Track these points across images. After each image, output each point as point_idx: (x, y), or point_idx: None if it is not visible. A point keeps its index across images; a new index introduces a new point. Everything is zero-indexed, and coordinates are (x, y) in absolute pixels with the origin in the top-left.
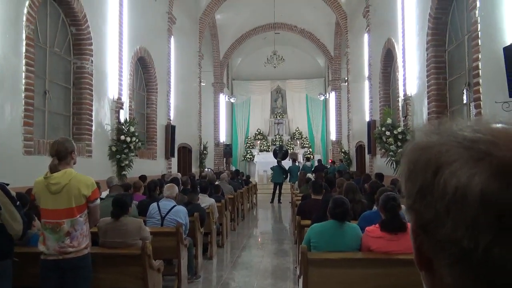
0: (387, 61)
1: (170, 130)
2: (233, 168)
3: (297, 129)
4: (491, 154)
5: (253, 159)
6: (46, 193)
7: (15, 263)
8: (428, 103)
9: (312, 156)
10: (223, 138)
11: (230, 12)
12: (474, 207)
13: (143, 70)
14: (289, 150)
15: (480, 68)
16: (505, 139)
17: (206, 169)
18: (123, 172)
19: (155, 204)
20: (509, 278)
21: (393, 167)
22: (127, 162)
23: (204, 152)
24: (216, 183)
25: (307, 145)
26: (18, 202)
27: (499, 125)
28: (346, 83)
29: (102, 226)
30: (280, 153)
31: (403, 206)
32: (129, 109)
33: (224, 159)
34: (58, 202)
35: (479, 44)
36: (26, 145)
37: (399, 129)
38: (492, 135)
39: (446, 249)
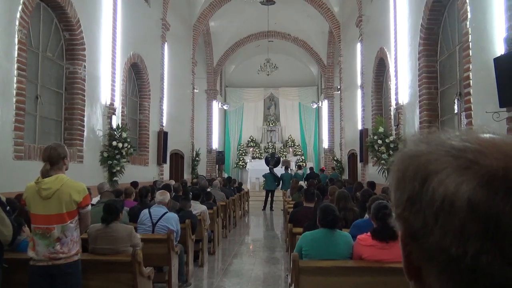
0: (380, 70)
1: (163, 136)
2: (226, 175)
3: (289, 137)
4: (478, 163)
5: (245, 166)
6: (37, 198)
7: (3, 269)
8: (420, 112)
9: (304, 164)
10: (215, 145)
11: (224, 19)
12: (462, 215)
13: (136, 76)
14: (281, 158)
15: (471, 78)
16: (492, 149)
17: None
18: (115, 178)
19: (146, 210)
20: (496, 285)
21: (385, 175)
22: (118, 168)
23: (197, 158)
24: (208, 190)
25: (299, 153)
26: (8, 208)
27: (486, 135)
28: (339, 92)
29: (92, 233)
30: (272, 160)
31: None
32: (122, 115)
33: (217, 166)
34: (48, 208)
35: (470, 54)
36: (17, 150)
37: (391, 138)
38: (480, 144)
39: (435, 257)
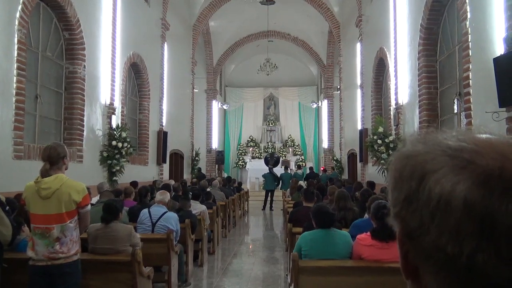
0: (379, 70)
1: (162, 136)
2: (225, 175)
3: (289, 137)
4: (475, 163)
5: (245, 166)
6: (36, 198)
7: (3, 269)
8: (420, 112)
9: (304, 164)
10: (215, 144)
11: (224, 19)
12: (458, 215)
13: (136, 75)
14: (280, 157)
15: (470, 78)
16: (488, 149)
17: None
18: (114, 178)
19: (146, 210)
20: (492, 285)
21: (385, 175)
22: (118, 168)
23: (196, 158)
24: (208, 189)
25: (299, 153)
26: (7, 207)
27: (483, 135)
28: (339, 92)
29: (92, 232)
30: (272, 160)
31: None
32: (121, 115)
33: (216, 165)
34: (48, 207)
35: (470, 54)
36: (16, 150)
37: (391, 138)
38: (476, 144)
39: (431, 256)
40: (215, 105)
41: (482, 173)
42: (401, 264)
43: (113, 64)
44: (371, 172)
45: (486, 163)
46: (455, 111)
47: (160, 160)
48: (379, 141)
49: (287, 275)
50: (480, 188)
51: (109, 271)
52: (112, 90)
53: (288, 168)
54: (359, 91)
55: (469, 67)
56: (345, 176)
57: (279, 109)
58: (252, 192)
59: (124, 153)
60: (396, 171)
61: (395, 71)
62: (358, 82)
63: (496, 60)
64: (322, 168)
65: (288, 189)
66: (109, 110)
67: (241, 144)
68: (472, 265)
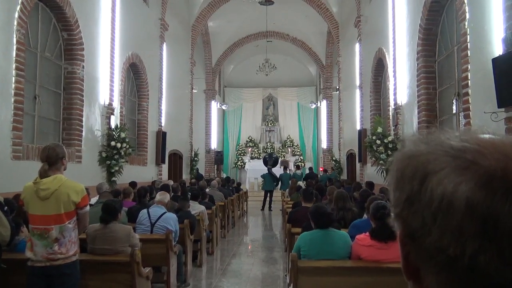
0: (378, 71)
1: (161, 136)
2: (224, 175)
3: (288, 137)
4: (477, 163)
5: (244, 166)
6: (35, 199)
7: (1, 269)
8: (418, 113)
9: (303, 164)
10: (214, 145)
11: (223, 19)
12: (460, 215)
13: (135, 76)
14: (279, 158)
15: (469, 78)
16: (491, 149)
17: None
18: (113, 178)
19: (145, 210)
20: (494, 285)
21: (383, 175)
22: (117, 168)
23: (195, 159)
24: (207, 190)
25: (298, 153)
26: (5, 208)
27: (485, 136)
28: (338, 92)
29: (90, 233)
30: (271, 160)
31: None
32: (120, 115)
33: (215, 166)
34: (47, 208)
35: (468, 55)
36: (15, 150)
37: (390, 138)
38: (479, 144)
39: (433, 257)
40: (214, 106)
41: (484, 174)
42: (403, 265)
43: (112, 64)
44: (370, 173)
45: (489, 163)
46: (454, 111)
47: (159, 160)
48: (378, 142)
49: (286, 275)
50: (483, 189)
51: (108, 272)
52: (111, 90)
53: (287, 169)
54: (358, 92)
55: (467, 67)
56: (344, 176)
57: (278, 109)
58: (251, 192)
59: (123, 153)
60: (398, 171)
61: (394, 71)
62: (357, 82)
63: (495, 61)
64: (321, 169)
65: (287, 189)
66: (108, 110)
67: (240, 145)
68: (474, 266)
